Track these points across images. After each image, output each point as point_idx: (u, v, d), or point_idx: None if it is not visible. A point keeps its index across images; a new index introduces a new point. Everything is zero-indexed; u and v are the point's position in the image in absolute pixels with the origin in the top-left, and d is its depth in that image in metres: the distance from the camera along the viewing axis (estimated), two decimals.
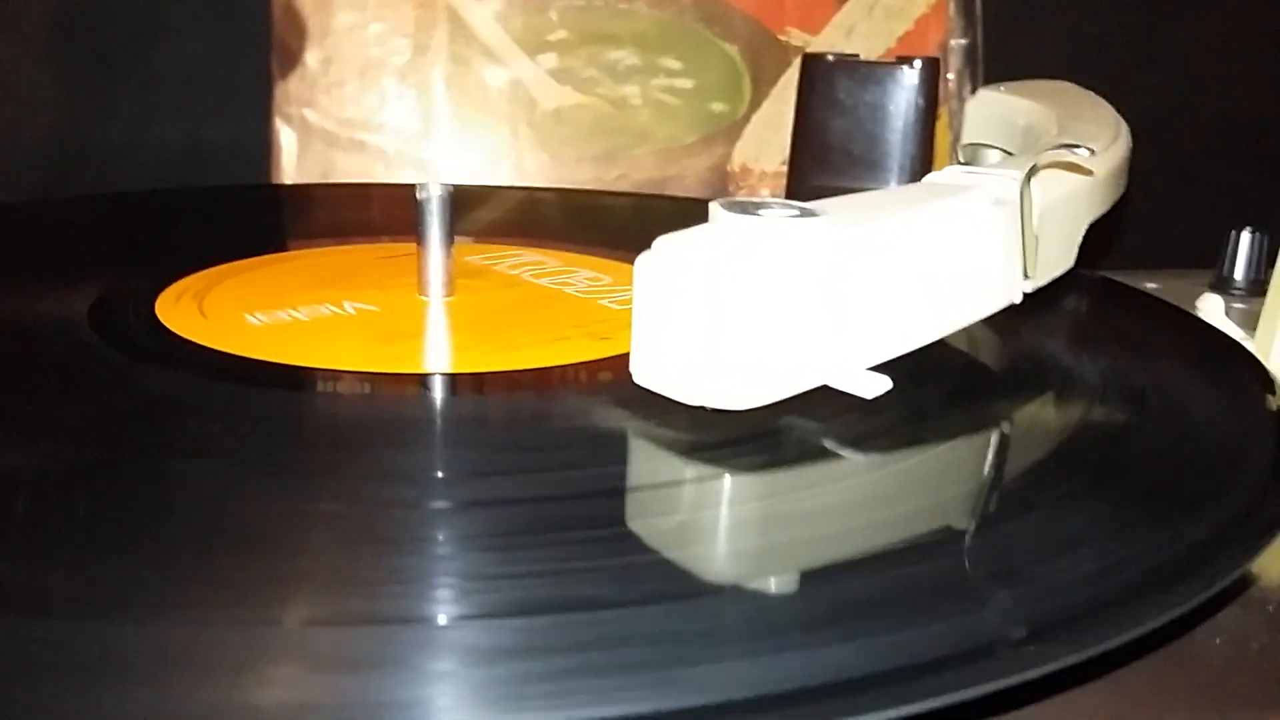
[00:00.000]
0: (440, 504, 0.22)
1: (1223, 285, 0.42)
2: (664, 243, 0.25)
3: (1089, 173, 0.29)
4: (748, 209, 0.26)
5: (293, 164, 0.60)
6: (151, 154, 0.63)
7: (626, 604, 0.18)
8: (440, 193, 0.32)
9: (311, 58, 0.60)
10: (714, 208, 0.26)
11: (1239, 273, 0.42)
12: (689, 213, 0.27)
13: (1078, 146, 0.27)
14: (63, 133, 0.62)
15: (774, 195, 0.64)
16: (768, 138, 0.64)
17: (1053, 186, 0.29)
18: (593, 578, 0.19)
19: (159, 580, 0.18)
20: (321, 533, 0.21)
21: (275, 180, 0.60)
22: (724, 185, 0.64)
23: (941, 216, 0.26)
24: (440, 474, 0.24)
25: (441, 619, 0.18)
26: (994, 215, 0.27)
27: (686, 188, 0.64)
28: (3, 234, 0.43)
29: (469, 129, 0.62)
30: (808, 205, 0.26)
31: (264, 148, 0.60)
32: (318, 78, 0.60)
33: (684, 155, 0.64)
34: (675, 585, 0.19)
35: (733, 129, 0.64)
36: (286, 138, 0.60)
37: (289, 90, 0.60)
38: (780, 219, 0.25)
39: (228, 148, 0.64)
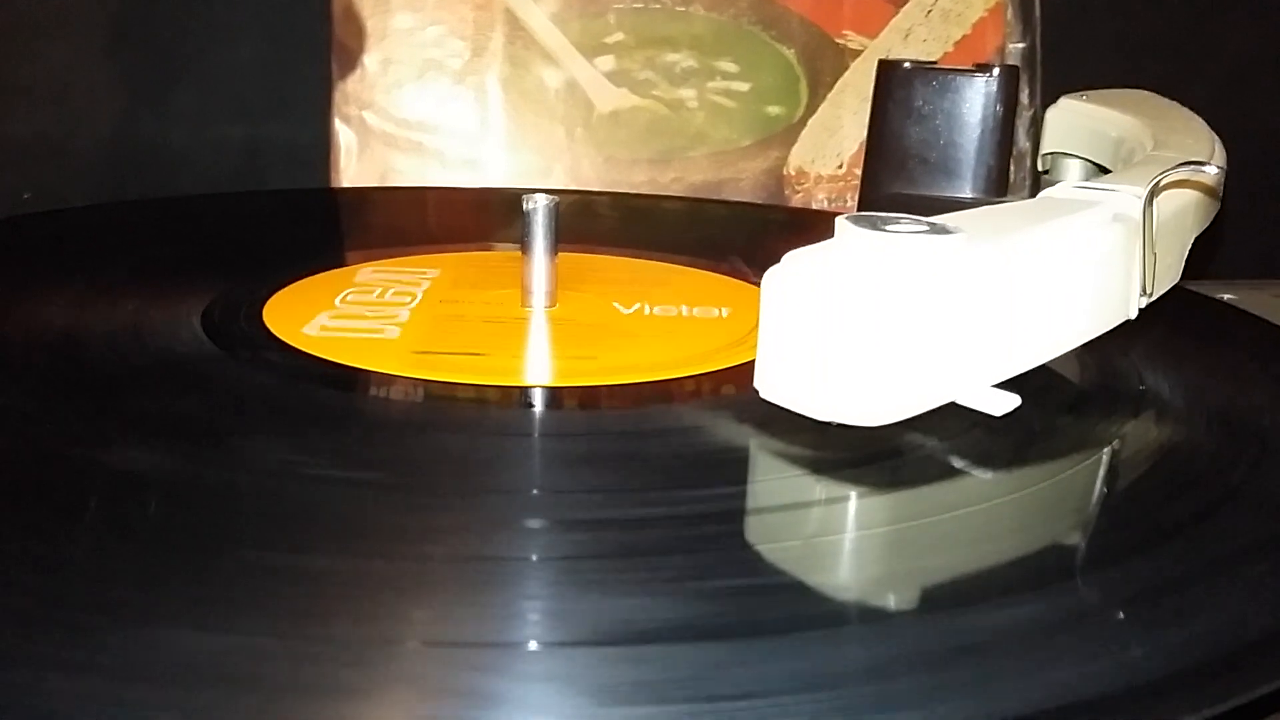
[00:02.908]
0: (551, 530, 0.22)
1: None
2: (793, 258, 0.25)
3: (1214, 191, 0.29)
4: (875, 224, 0.26)
5: (352, 165, 0.60)
6: (210, 155, 0.63)
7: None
8: (546, 203, 0.32)
9: (370, 59, 0.60)
10: (840, 222, 0.26)
11: None
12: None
13: (1203, 164, 0.27)
14: (122, 134, 0.62)
15: (830, 199, 0.64)
16: (824, 141, 0.64)
17: (1165, 202, 0.29)
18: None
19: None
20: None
21: (334, 180, 0.60)
22: (780, 189, 0.64)
23: (1068, 233, 0.26)
24: (536, 492, 0.24)
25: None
26: (1116, 231, 0.27)
27: (742, 191, 0.64)
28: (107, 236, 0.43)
29: (525, 130, 0.62)
30: (937, 221, 0.26)
31: (322, 149, 0.60)
32: (376, 79, 0.61)
33: (740, 158, 0.64)
34: None
35: (789, 132, 0.64)
36: (345, 138, 0.60)
37: (348, 91, 0.60)
38: (910, 235, 0.25)
39: (286, 149, 0.64)
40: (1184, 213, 0.30)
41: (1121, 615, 0.20)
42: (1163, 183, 0.27)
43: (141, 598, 0.18)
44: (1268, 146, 0.71)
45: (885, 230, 0.25)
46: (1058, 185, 0.29)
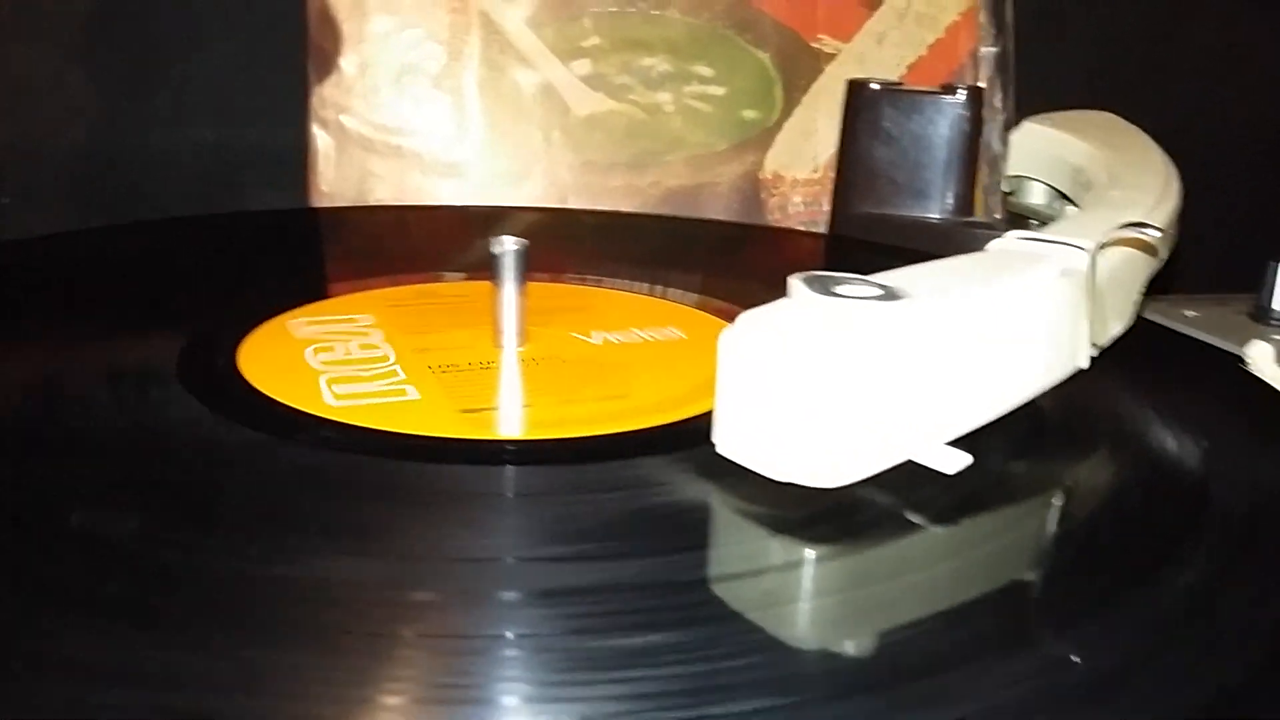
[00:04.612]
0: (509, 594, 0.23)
1: (1262, 315, 0.43)
2: (747, 320, 0.26)
3: (1154, 252, 0.30)
4: (827, 286, 0.26)
5: (330, 169, 0.61)
6: (187, 159, 0.64)
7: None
8: (515, 247, 0.33)
9: (347, 62, 0.61)
10: (794, 283, 0.27)
11: (1278, 302, 0.43)
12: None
13: (1147, 226, 0.28)
14: (98, 138, 0.63)
15: (805, 202, 0.65)
16: (800, 145, 0.65)
17: (1114, 252, 0.30)
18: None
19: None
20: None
21: (313, 184, 0.60)
22: (756, 193, 0.64)
23: (1016, 291, 0.27)
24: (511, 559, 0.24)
25: None
26: (1064, 286, 0.28)
27: (719, 194, 0.64)
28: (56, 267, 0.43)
29: (502, 134, 0.62)
30: (887, 283, 0.26)
31: (300, 153, 0.60)
32: (353, 83, 0.61)
33: (716, 162, 0.64)
34: None
35: (765, 136, 0.64)
36: (323, 143, 0.61)
37: (325, 95, 0.61)
38: (861, 300, 0.26)
39: (263, 152, 0.64)
40: (1134, 260, 0.31)
41: (1076, 659, 0.21)
42: (1109, 241, 0.28)
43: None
44: (1234, 154, 0.72)
45: (836, 294, 0.26)
46: (1006, 236, 0.30)
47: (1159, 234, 0.28)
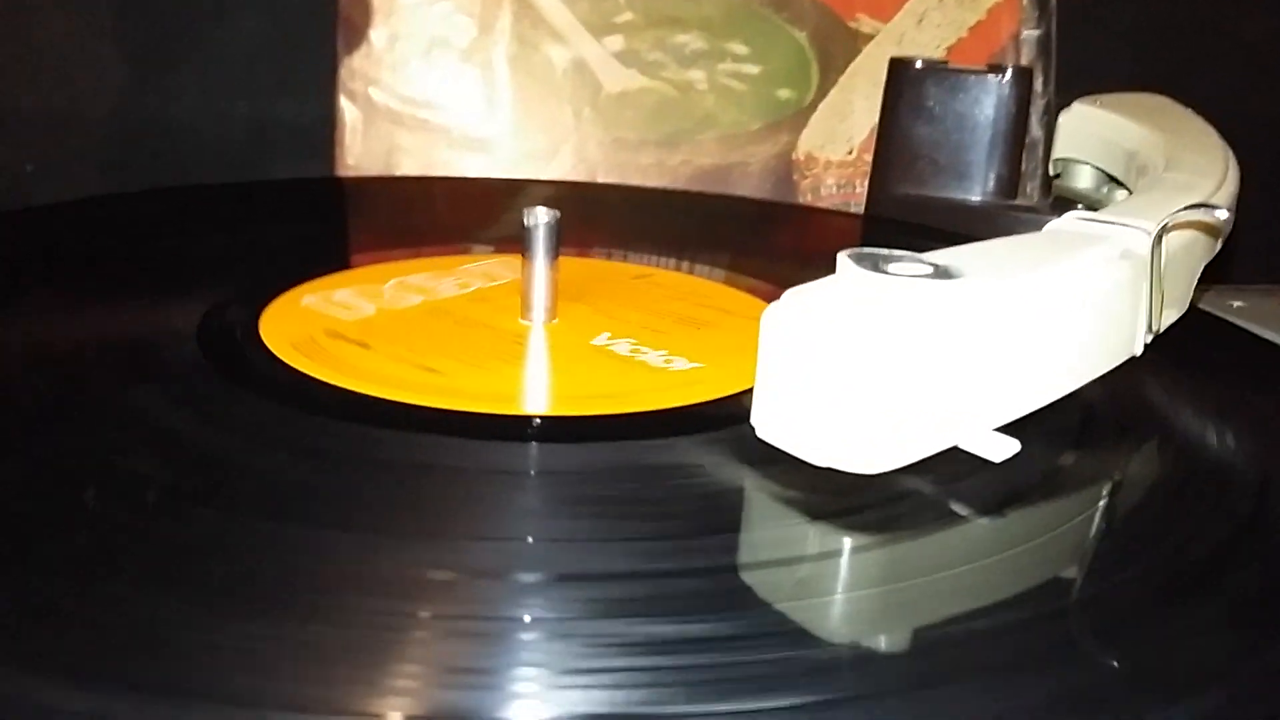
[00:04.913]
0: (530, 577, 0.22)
1: None
2: (793, 296, 0.25)
3: (1217, 235, 0.28)
4: (878, 264, 0.25)
5: (357, 142, 0.60)
6: (215, 131, 0.63)
7: None
8: (548, 219, 0.32)
9: (377, 35, 0.60)
10: (843, 260, 0.26)
11: None
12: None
13: (1212, 207, 0.27)
14: (126, 109, 0.62)
15: (839, 185, 0.64)
16: (834, 126, 0.63)
17: (1174, 235, 0.29)
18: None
19: None
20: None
21: (339, 157, 0.60)
22: (788, 174, 0.63)
23: (1074, 273, 0.26)
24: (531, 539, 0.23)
25: None
26: (1124, 269, 0.27)
27: (750, 175, 0.63)
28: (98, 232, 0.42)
29: (532, 110, 0.61)
30: (939, 261, 0.25)
31: (328, 126, 0.60)
32: (383, 55, 0.60)
33: (749, 142, 0.63)
34: None
35: (799, 116, 0.63)
36: (351, 115, 0.60)
37: (354, 67, 0.60)
38: (913, 278, 0.24)
39: (292, 125, 0.63)
40: (1193, 245, 0.30)
41: (1115, 663, 0.20)
42: (1172, 224, 0.26)
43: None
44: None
45: (887, 272, 0.25)
46: (1065, 216, 0.28)
47: (1225, 215, 0.27)
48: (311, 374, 0.29)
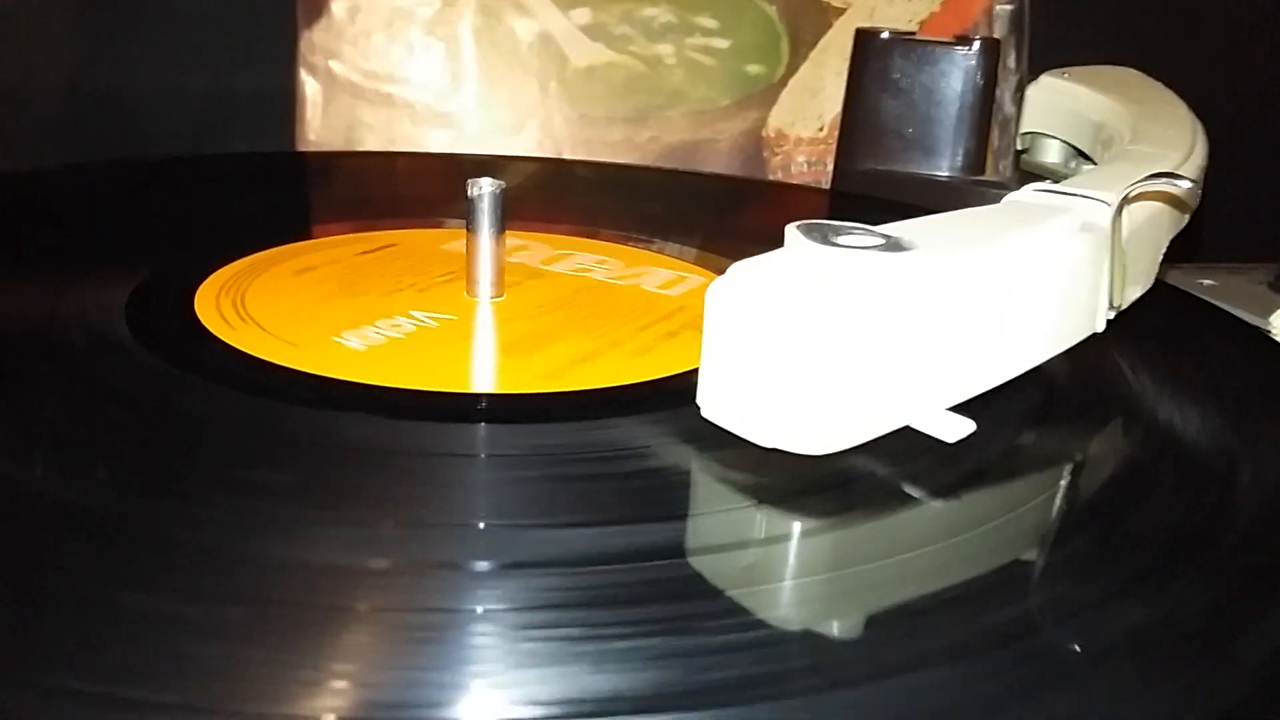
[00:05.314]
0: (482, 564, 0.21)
1: None
2: (739, 270, 0.24)
3: (1183, 207, 0.27)
4: (827, 236, 0.24)
5: (318, 116, 0.59)
6: (171, 104, 0.61)
7: None
8: (492, 189, 0.30)
9: (338, 6, 0.58)
10: (791, 231, 0.25)
11: None
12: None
13: (1177, 177, 0.26)
14: (79, 82, 0.60)
15: (809, 162, 0.63)
16: (805, 102, 0.62)
17: (1137, 208, 0.28)
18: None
19: None
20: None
21: (299, 132, 0.58)
22: (758, 151, 0.62)
23: (1032, 245, 0.25)
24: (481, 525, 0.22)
25: None
26: (1084, 241, 0.26)
27: (720, 152, 0.62)
28: (27, 206, 0.41)
29: (497, 84, 0.60)
30: (891, 233, 0.24)
31: (287, 99, 0.58)
32: (344, 27, 0.58)
33: (718, 118, 0.62)
34: None
35: (769, 92, 0.62)
36: (311, 89, 0.58)
37: (314, 40, 0.58)
38: (864, 250, 0.24)
39: (250, 98, 0.62)
40: (1158, 218, 0.29)
41: (1078, 649, 0.19)
42: (1133, 194, 0.25)
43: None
44: (1255, 117, 0.70)
45: (836, 244, 0.24)
46: (1024, 189, 0.27)
47: (1190, 185, 0.26)
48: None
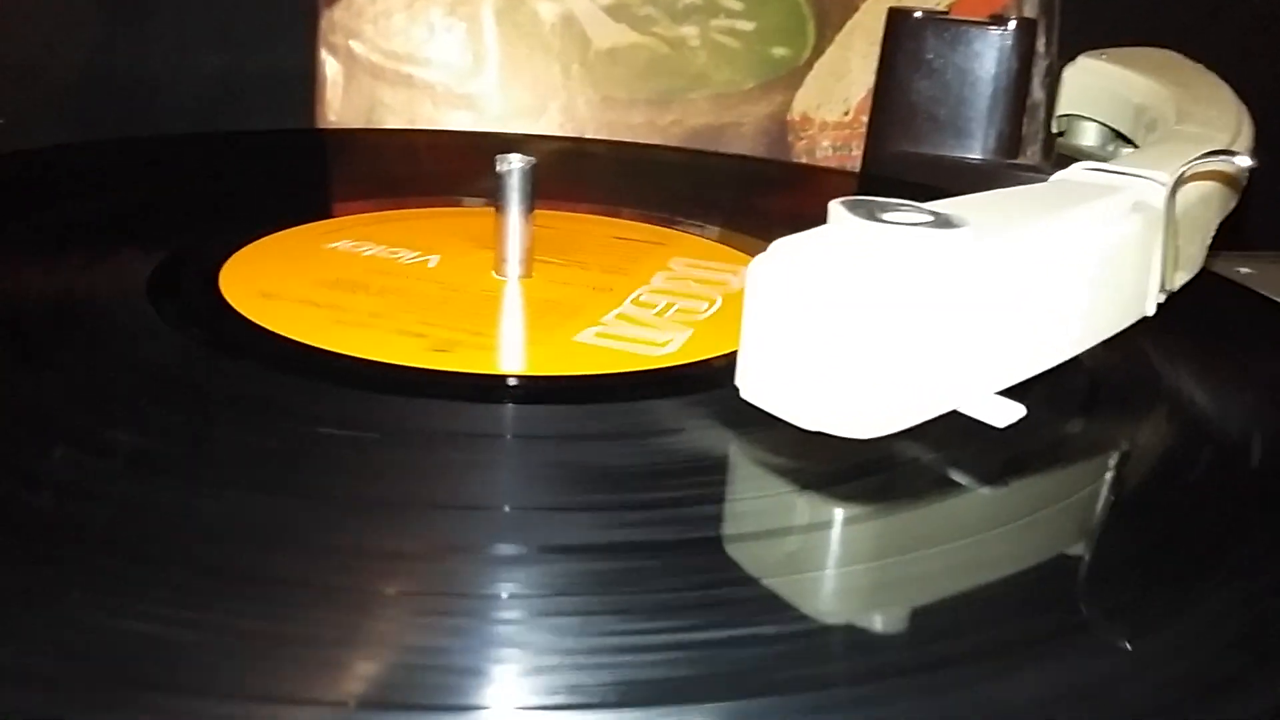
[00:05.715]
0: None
1: None
2: (781, 246, 0.23)
3: (1237, 187, 0.27)
4: (873, 212, 0.23)
5: (337, 97, 0.58)
6: (189, 85, 0.61)
7: None
8: (522, 165, 0.30)
9: None
10: (835, 208, 0.24)
11: None
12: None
13: (1234, 154, 0.25)
14: (97, 61, 0.60)
15: (834, 147, 0.62)
16: (830, 86, 0.61)
17: (1190, 188, 0.27)
18: None
19: None
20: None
21: (319, 113, 0.58)
22: (783, 135, 0.61)
23: (1084, 225, 0.24)
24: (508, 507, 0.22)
25: None
26: (1137, 222, 0.25)
27: (744, 135, 0.61)
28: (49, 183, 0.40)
29: (519, 66, 0.59)
30: (940, 210, 0.23)
31: (307, 80, 0.58)
32: (364, 7, 0.58)
33: (742, 101, 0.61)
34: None
35: (794, 75, 0.61)
36: (331, 69, 0.58)
37: (335, 19, 0.58)
38: (911, 227, 0.23)
39: (269, 79, 0.61)
40: (1208, 199, 0.28)
41: (1128, 646, 0.18)
42: (1189, 173, 0.25)
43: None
44: None
45: (883, 220, 0.23)
46: (1073, 167, 0.27)
47: (1248, 162, 0.25)
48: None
